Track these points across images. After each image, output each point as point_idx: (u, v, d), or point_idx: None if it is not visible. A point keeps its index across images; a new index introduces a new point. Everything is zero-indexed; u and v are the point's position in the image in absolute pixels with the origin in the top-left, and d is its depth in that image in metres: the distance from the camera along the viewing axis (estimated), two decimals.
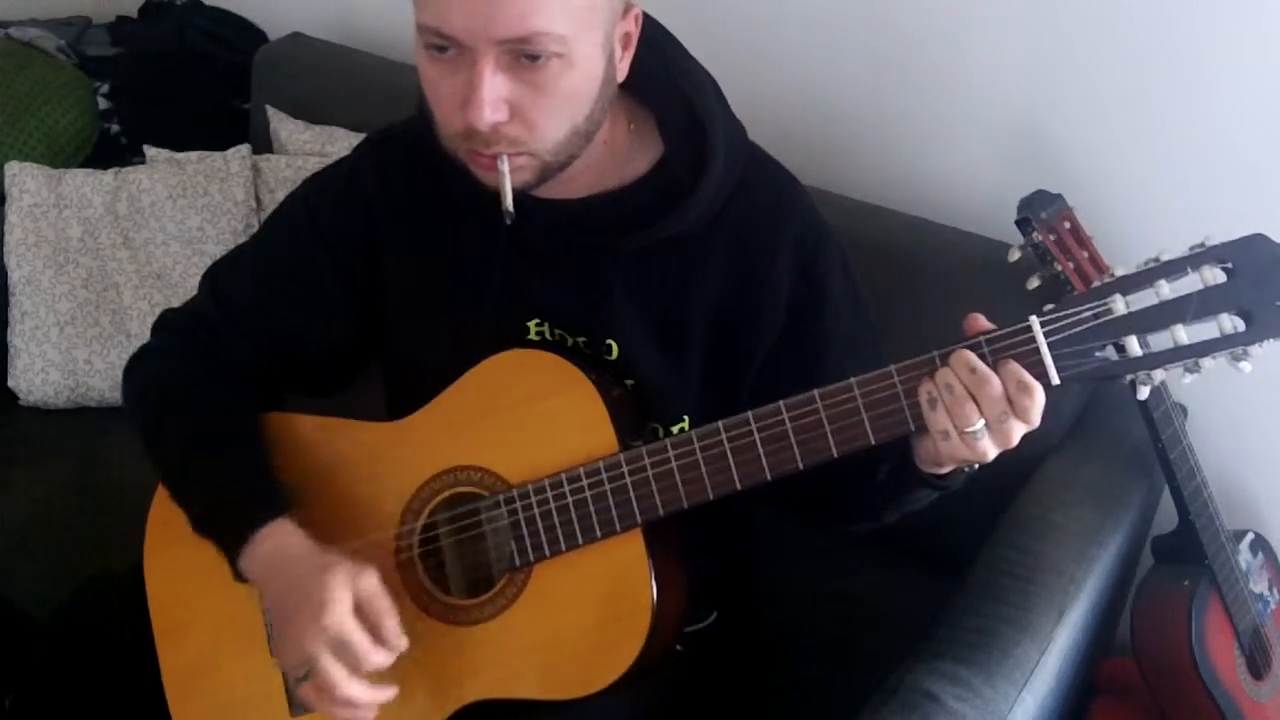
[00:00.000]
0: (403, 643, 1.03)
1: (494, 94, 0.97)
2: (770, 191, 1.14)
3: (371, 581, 1.03)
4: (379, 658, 1.01)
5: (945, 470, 1.00)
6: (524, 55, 0.96)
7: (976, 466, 0.99)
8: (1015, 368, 0.92)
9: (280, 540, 1.07)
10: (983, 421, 0.92)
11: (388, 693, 1.03)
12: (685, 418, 1.15)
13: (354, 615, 1.01)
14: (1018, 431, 0.94)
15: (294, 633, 1.02)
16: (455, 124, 1.00)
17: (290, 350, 1.23)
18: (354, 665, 1.00)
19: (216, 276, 1.25)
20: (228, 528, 1.10)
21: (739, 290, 1.12)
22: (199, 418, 1.18)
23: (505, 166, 1.01)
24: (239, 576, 1.10)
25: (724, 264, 1.12)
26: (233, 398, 1.20)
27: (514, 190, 1.03)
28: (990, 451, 0.94)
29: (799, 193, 1.16)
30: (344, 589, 1.01)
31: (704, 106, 1.11)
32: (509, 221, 1.01)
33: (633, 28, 1.05)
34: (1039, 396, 0.92)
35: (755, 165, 1.15)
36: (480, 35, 0.95)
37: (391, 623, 1.03)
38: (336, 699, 1.01)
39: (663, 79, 1.12)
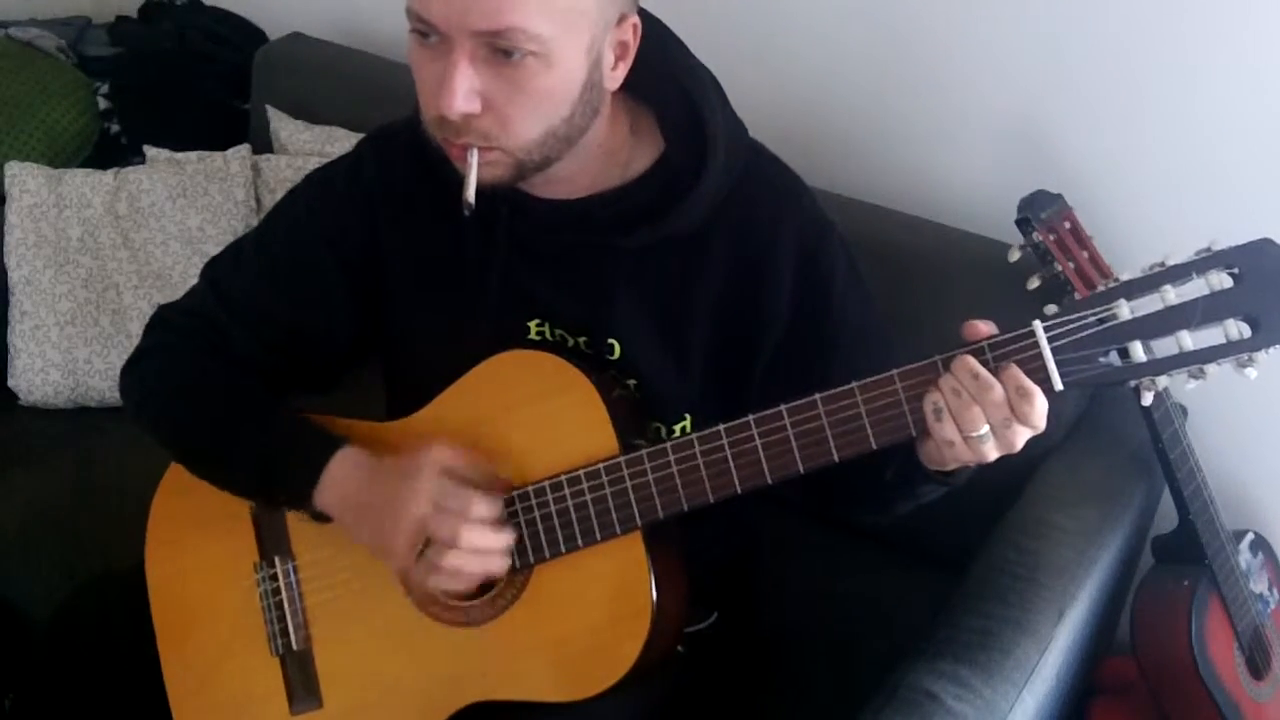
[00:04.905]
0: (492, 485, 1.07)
1: (466, 84, 0.97)
2: (771, 188, 1.14)
3: (444, 446, 1.07)
4: (480, 509, 1.04)
5: (950, 468, 1.00)
6: (500, 50, 0.96)
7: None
8: (1015, 372, 0.92)
9: (353, 462, 1.11)
10: (988, 427, 0.93)
11: (508, 534, 1.06)
12: (687, 416, 1.15)
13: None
14: (1021, 436, 0.94)
15: (391, 517, 1.06)
16: (432, 111, 1.01)
17: (292, 346, 1.23)
18: (462, 510, 1.03)
19: (217, 272, 1.25)
20: (296, 473, 1.12)
21: (741, 287, 1.12)
22: (227, 398, 1.19)
23: (474, 159, 1.01)
24: (317, 516, 1.12)
25: (726, 261, 1.12)
26: (251, 379, 1.21)
27: (488, 187, 1.03)
28: (992, 454, 0.95)
29: (799, 188, 1.16)
30: (425, 455, 1.06)
31: (704, 103, 1.10)
32: (467, 213, 1.02)
33: (629, 38, 1.04)
34: (1039, 402, 0.92)
35: (755, 162, 1.15)
36: (456, 25, 0.95)
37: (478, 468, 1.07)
38: (463, 544, 1.03)
39: (663, 76, 1.12)
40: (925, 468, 1.01)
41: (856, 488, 1.13)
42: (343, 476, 1.10)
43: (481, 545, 1.04)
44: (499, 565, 1.07)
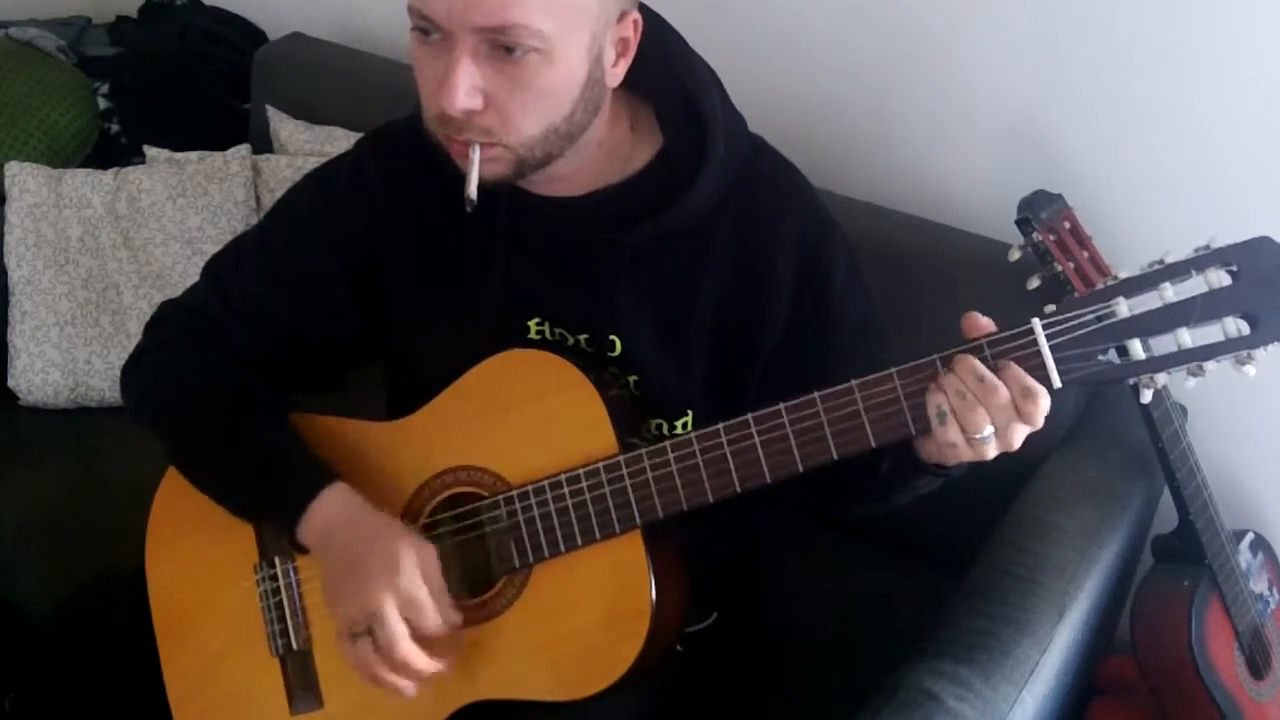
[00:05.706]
0: (456, 618, 1.06)
1: (468, 80, 0.97)
2: (772, 183, 1.14)
3: (432, 555, 1.06)
4: (437, 624, 1.04)
5: (948, 464, 1.01)
6: (502, 47, 0.96)
7: None
8: (1019, 373, 0.92)
9: (343, 502, 1.10)
10: (992, 428, 0.93)
11: (439, 664, 1.05)
12: (689, 413, 1.15)
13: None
14: (1021, 435, 0.94)
15: (357, 589, 1.05)
16: (433, 108, 1.01)
17: (293, 344, 1.23)
18: (415, 625, 1.03)
19: (218, 270, 1.25)
20: (285, 499, 1.11)
21: (742, 282, 1.12)
22: (226, 402, 1.18)
23: (476, 155, 1.01)
24: (297, 546, 1.12)
25: (727, 256, 1.12)
26: (251, 380, 1.21)
27: (490, 183, 1.03)
28: (992, 453, 0.95)
29: (801, 183, 1.16)
30: (413, 554, 1.04)
31: (703, 96, 1.10)
32: (469, 209, 1.02)
33: (630, 34, 1.04)
34: (1044, 402, 0.92)
35: (756, 157, 1.15)
36: (458, 21, 0.95)
37: (446, 598, 1.06)
38: (395, 656, 1.03)
39: (662, 71, 1.12)
40: (923, 462, 1.01)
41: (854, 482, 1.13)
42: (327, 517, 1.09)
43: (410, 664, 1.03)
44: (406, 688, 1.06)
